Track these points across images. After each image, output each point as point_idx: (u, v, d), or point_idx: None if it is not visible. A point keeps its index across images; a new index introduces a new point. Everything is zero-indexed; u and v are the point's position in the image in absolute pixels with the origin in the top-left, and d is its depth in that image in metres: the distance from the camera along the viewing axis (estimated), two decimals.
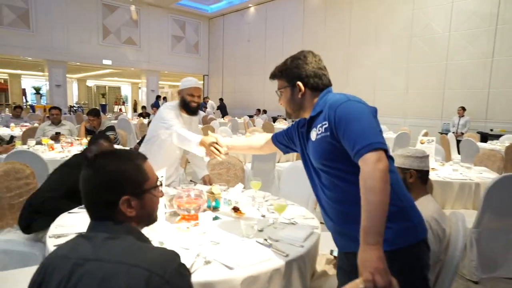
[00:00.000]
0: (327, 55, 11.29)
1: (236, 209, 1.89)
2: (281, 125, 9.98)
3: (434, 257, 1.44)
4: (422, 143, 4.03)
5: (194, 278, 1.16)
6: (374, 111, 1.24)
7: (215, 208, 1.99)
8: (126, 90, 26.01)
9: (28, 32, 12.72)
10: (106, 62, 14.78)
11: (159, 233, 1.53)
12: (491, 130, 8.29)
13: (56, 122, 5.25)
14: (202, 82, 18.17)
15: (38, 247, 2.10)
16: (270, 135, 1.78)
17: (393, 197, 1.15)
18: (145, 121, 9.29)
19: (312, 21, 12.88)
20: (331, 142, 1.24)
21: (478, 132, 8.04)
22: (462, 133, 7.91)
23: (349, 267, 1.33)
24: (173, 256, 0.84)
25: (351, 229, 1.23)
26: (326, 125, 1.25)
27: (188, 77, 2.51)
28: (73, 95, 22.53)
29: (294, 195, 2.52)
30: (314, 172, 1.38)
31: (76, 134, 5.26)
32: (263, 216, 1.89)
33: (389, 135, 7.46)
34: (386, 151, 1.13)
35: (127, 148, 4.79)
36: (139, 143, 4.61)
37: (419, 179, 1.73)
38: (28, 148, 3.91)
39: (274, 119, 12.10)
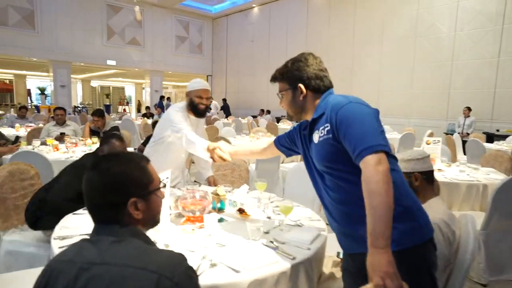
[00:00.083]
0: (331, 55, 11.40)
1: (241, 211, 1.88)
2: (285, 125, 9.95)
3: (444, 261, 1.41)
4: (428, 144, 3.99)
5: (200, 281, 1.13)
6: (376, 112, 1.24)
7: (220, 210, 1.97)
8: (130, 91, 26.11)
9: (33, 33, 12.80)
10: (110, 62, 14.83)
11: (165, 235, 1.52)
12: (497, 130, 8.21)
13: (61, 122, 5.27)
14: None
15: (43, 248, 2.10)
16: (272, 139, 1.79)
17: (398, 197, 1.15)
18: (149, 121, 9.30)
19: (316, 21, 12.85)
20: (333, 144, 1.24)
21: (484, 133, 7.97)
22: (468, 134, 7.84)
23: (354, 269, 1.32)
24: (181, 258, 0.83)
25: (356, 230, 1.23)
26: (328, 128, 1.25)
27: (196, 78, 2.48)
28: (78, 96, 22.64)
29: (299, 197, 2.51)
30: (317, 174, 1.38)
31: (81, 135, 5.27)
32: (269, 217, 1.87)
33: (393, 136, 7.41)
34: (387, 153, 1.13)
35: (132, 148, 4.80)
36: (143, 144, 4.61)
37: (424, 180, 1.70)
38: (33, 149, 3.92)
39: (278, 120, 12.07)
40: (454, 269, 1.42)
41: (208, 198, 1.83)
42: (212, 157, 1.95)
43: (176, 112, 2.36)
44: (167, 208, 1.66)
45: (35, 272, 1.80)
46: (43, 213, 2.13)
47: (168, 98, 16.27)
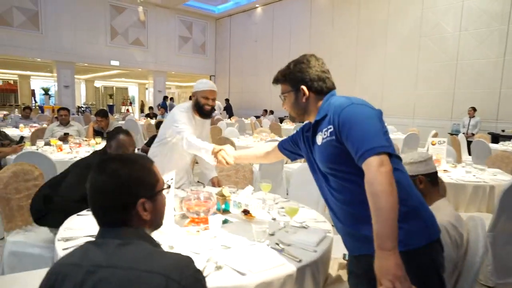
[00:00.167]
0: (334, 56, 11.37)
1: (246, 212, 1.86)
2: (288, 125, 9.93)
3: (451, 264, 1.39)
4: (433, 144, 3.95)
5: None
6: (379, 113, 1.23)
7: (224, 211, 1.96)
8: (133, 91, 26.19)
9: (37, 34, 12.87)
10: (114, 63, 14.88)
11: (169, 237, 1.51)
12: (503, 131, 8.14)
13: (65, 123, 5.28)
14: None
15: (47, 249, 2.09)
16: (275, 143, 1.79)
17: (403, 197, 1.15)
18: (152, 121, 9.31)
19: (319, 21, 12.81)
20: (336, 146, 1.23)
21: (489, 133, 7.91)
22: (473, 134, 7.79)
23: (360, 271, 1.31)
24: (189, 261, 0.82)
25: (361, 230, 1.22)
26: (331, 129, 1.25)
27: (203, 79, 2.47)
28: (81, 96, 22.73)
29: (303, 198, 2.49)
30: (321, 175, 1.37)
31: (84, 135, 5.28)
32: (274, 219, 1.85)
33: (397, 136, 7.37)
34: (390, 154, 1.12)
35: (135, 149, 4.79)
36: (147, 144, 4.61)
37: (429, 182, 1.68)
38: (37, 149, 3.93)
39: (281, 120, 12.05)
40: (463, 272, 1.39)
41: (213, 199, 1.81)
42: (216, 159, 1.95)
43: (181, 113, 2.34)
44: (171, 209, 1.64)
45: (39, 274, 1.80)
46: (48, 210, 2.12)
47: (172, 99, 16.29)
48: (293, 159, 1.73)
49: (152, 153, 2.55)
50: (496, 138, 7.69)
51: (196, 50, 17.55)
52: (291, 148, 1.66)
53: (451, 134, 8.01)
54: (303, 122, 1.52)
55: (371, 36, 11.06)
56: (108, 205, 0.88)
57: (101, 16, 14.32)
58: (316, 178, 1.45)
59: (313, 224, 1.78)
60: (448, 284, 1.37)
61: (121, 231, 0.87)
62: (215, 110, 2.65)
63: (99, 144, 4.25)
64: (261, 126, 9.72)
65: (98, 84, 24.90)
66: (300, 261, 1.34)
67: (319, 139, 1.32)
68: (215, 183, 2.60)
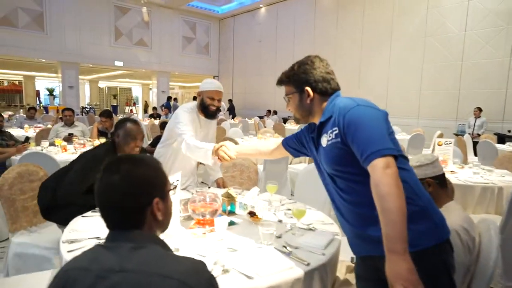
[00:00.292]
0: (338, 56, 11.33)
1: (252, 214, 1.84)
2: (292, 126, 9.90)
3: (463, 268, 1.36)
4: (439, 145, 3.91)
5: None
6: (384, 114, 1.22)
7: (230, 213, 1.93)
8: (137, 91, 26.27)
9: (42, 35, 12.93)
10: (118, 63, 14.93)
11: (175, 239, 1.49)
12: (509, 131, 8.07)
13: (69, 123, 5.28)
14: None
15: (52, 250, 2.09)
16: (279, 140, 1.77)
17: (412, 197, 1.14)
18: (156, 122, 9.32)
19: (323, 22, 12.77)
20: (342, 148, 1.23)
21: (495, 134, 7.83)
22: (479, 135, 7.72)
23: (367, 273, 1.31)
24: (204, 266, 0.81)
25: (369, 231, 1.21)
26: (337, 131, 1.24)
27: (209, 78, 2.44)
28: (85, 96, 22.83)
29: (309, 199, 2.46)
30: (328, 176, 1.36)
31: (89, 135, 5.28)
32: (280, 221, 1.83)
33: (402, 137, 7.32)
34: (395, 156, 1.11)
35: None
36: (151, 145, 4.60)
37: (437, 185, 1.64)
38: (42, 150, 3.93)
39: (285, 120, 12.03)
40: (475, 277, 1.36)
41: (218, 201, 1.79)
42: (217, 156, 1.91)
43: (184, 113, 2.31)
44: (177, 211, 1.62)
45: (44, 275, 1.79)
46: (54, 204, 2.12)
47: (175, 99, 16.32)
48: (296, 156, 1.72)
49: (157, 153, 2.53)
50: (502, 138, 7.62)
51: (199, 51, 17.57)
52: (295, 146, 1.64)
53: (457, 135, 7.94)
54: (307, 124, 1.50)
55: (375, 37, 11.01)
56: (123, 206, 0.85)
57: (105, 17, 14.37)
58: (322, 179, 1.44)
59: (320, 226, 1.75)
60: None
61: (133, 234, 0.84)
62: (220, 111, 2.61)
63: None
64: (265, 127, 9.71)
65: (102, 84, 25.00)
66: (308, 264, 1.32)
67: (324, 141, 1.31)
68: (220, 184, 2.57)
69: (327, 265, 1.38)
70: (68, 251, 1.38)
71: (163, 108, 13.41)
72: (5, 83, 22.92)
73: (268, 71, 14.79)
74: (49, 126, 6.74)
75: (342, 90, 1.40)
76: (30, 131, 6.39)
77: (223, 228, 1.63)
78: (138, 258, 0.78)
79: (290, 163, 4.90)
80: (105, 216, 0.88)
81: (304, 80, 1.36)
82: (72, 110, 5.47)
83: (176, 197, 1.55)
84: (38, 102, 20.93)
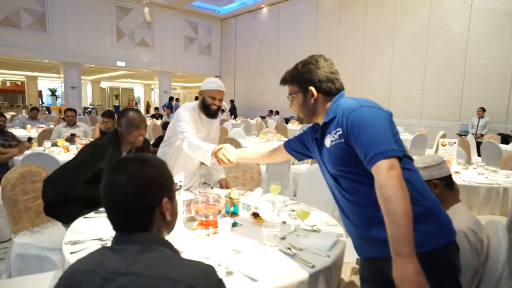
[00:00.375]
0: (341, 56, 11.30)
1: (255, 215, 1.82)
2: (294, 126, 9.88)
3: (472, 271, 1.33)
4: (443, 145, 3.89)
5: None
6: (388, 115, 1.20)
7: (233, 214, 1.92)
8: (139, 92, 26.32)
9: (44, 35, 12.97)
10: (120, 63, 14.95)
11: (178, 241, 1.47)
12: None
13: (72, 123, 5.29)
14: None
15: (54, 251, 2.07)
16: (280, 142, 1.75)
17: (417, 198, 1.13)
18: (158, 122, 9.32)
19: (325, 22, 12.75)
20: (345, 148, 1.21)
21: (498, 134, 7.79)
22: (482, 135, 7.68)
23: (371, 275, 1.29)
24: (212, 270, 0.79)
25: (374, 232, 1.20)
26: (340, 132, 1.23)
27: (212, 77, 2.41)
28: (87, 97, 22.89)
29: (312, 200, 2.44)
30: (332, 177, 1.34)
31: (91, 136, 5.28)
32: (284, 222, 1.81)
33: (405, 137, 7.29)
34: (399, 157, 1.10)
35: None
36: (154, 145, 4.59)
37: (444, 186, 1.62)
38: (44, 150, 3.93)
39: (287, 121, 12.00)
40: (483, 279, 1.34)
41: (222, 202, 1.78)
42: (216, 159, 1.89)
43: (185, 112, 2.30)
44: (180, 212, 1.61)
45: (46, 276, 1.78)
46: (57, 203, 2.13)
47: (177, 99, 16.33)
48: (300, 159, 1.69)
49: (160, 153, 2.52)
50: (506, 139, 7.57)
51: (201, 51, 17.57)
52: (298, 148, 1.62)
53: (460, 135, 7.90)
54: (311, 124, 1.49)
55: (378, 36, 10.97)
56: (131, 207, 0.83)
57: (108, 17, 14.40)
58: (327, 180, 1.42)
59: (324, 227, 1.74)
60: None
61: (141, 236, 0.83)
62: (224, 111, 2.59)
63: None
64: (267, 127, 9.69)
65: (104, 85, 25.06)
66: (313, 266, 1.30)
67: (328, 141, 1.30)
68: (223, 185, 2.55)
69: (332, 267, 1.37)
70: (71, 253, 1.36)
71: (165, 108, 13.41)
72: (8, 84, 23.02)
73: (270, 71, 14.78)
74: (52, 126, 6.75)
75: (344, 90, 1.39)
76: (33, 132, 6.40)
77: (226, 229, 1.61)
78: (146, 261, 0.76)
79: (293, 164, 4.88)
80: (112, 218, 0.86)
81: (308, 80, 1.34)
82: (75, 111, 5.47)
83: (179, 198, 1.53)
84: (40, 103, 21.00)
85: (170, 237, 1.43)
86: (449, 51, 9.31)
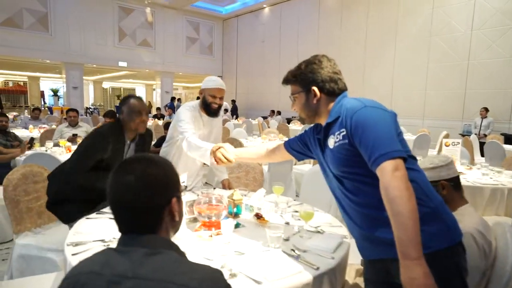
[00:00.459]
0: (343, 57, 11.28)
1: (258, 216, 1.81)
2: (296, 126, 9.86)
3: (479, 273, 1.31)
4: (446, 146, 3.86)
5: None
6: (393, 115, 1.19)
7: (236, 215, 1.90)
8: (140, 92, 26.34)
9: (46, 35, 12.99)
10: (122, 64, 14.96)
11: (181, 242, 1.46)
12: None
13: (74, 124, 5.30)
14: None
15: (56, 252, 2.07)
16: (280, 142, 1.73)
17: (422, 198, 1.12)
18: (160, 122, 9.31)
19: (327, 22, 12.72)
20: (349, 149, 1.20)
21: (502, 134, 7.74)
22: (485, 135, 7.64)
23: (376, 277, 1.28)
24: (220, 275, 0.78)
25: (378, 232, 1.18)
26: (344, 133, 1.21)
27: (212, 76, 2.39)
28: (89, 97, 22.93)
29: (315, 201, 2.42)
30: (335, 178, 1.33)
31: None
32: (287, 223, 1.80)
33: (407, 137, 7.25)
34: (404, 158, 1.09)
35: None
36: (156, 145, 4.58)
37: (452, 187, 1.59)
38: (46, 150, 3.93)
39: (289, 121, 11.98)
40: (491, 282, 1.32)
41: (224, 203, 1.76)
42: (215, 158, 1.86)
43: (185, 111, 2.28)
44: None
45: (48, 278, 1.77)
46: (58, 199, 2.14)
47: (179, 99, 16.34)
48: (300, 159, 1.68)
49: (162, 153, 2.51)
50: (509, 139, 7.52)
51: (203, 51, 17.58)
52: (299, 148, 1.61)
53: (462, 135, 7.87)
54: (312, 124, 1.47)
55: (380, 36, 10.94)
56: (140, 207, 0.81)
57: (109, 18, 14.41)
58: (328, 181, 1.41)
59: (328, 228, 1.72)
60: None
61: (148, 238, 0.81)
62: (227, 111, 2.58)
63: None
64: (269, 127, 9.68)
65: (106, 85, 25.11)
66: (317, 268, 1.28)
67: (331, 142, 1.29)
68: (225, 185, 2.54)
69: (337, 269, 1.35)
70: (73, 254, 1.35)
71: (166, 108, 13.42)
72: (10, 84, 23.09)
73: (271, 72, 14.76)
74: (54, 126, 6.75)
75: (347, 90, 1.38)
76: (35, 132, 6.40)
77: (229, 230, 1.60)
78: (153, 264, 0.74)
79: (295, 164, 4.87)
80: (119, 219, 0.84)
81: (311, 80, 1.33)
82: (77, 111, 5.47)
83: (183, 198, 1.52)
84: (42, 103, 21.05)
85: (174, 239, 1.43)
86: (451, 51, 9.27)
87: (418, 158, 1.56)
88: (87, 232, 1.57)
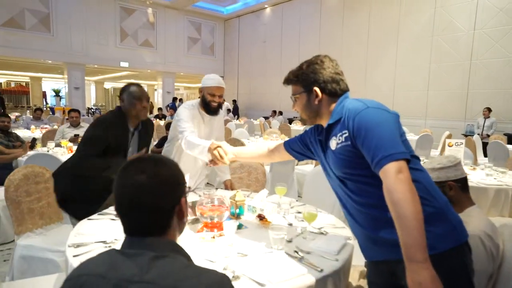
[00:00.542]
0: (344, 57, 11.26)
1: (261, 217, 1.79)
2: (298, 126, 9.85)
3: (486, 276, 1.29)
4: (450, 146, 3.84)
5: None
6: (395, 116, 1.18)
7: (238, 216, 1.89)
8: None
9: (48, 36, 13.01)
10: (124, 64, 14.97)
11: (184, 244, 1.44)
12: None
13: (75, 124, 5.29)
14: None
15: (57, 253, 2.06)
16: (280, 142, 1.71)
17: (427, 198, 1.11)
18: (162, 122, 9.30)
19: (329, 22, 12.69)
20: (352, 151, 1.19)
21: (505, 134, 7.70)
22: (488, 135, 7.60)
23: (379, 279, 1.27)
24: (228, 280, 0.77)
25: (382, 233, 1.17)
26: (346, 134, 1.20)
27: (211, 74, 2.38)
28: (91, 97, 22.97)
29: (317, 201, 2.41)
30: (338, 179, 1.32)
31: None
32: (290, 224, 1.78)
33: (410, 137, 7.22)
34: (408, 160, 1.08)
35: None
36: (157, 146, 4.57)
37: (459, 188, 1.57)
38: (48, 151, 3.92)
39: (290, 121, 11.96)
40: (498, 284, 1.30)
41: (226, 204, 1.75)
42: (211, 157, 1.85)
43: (184, 110, 2.27)
44: None
45: (50, 279, 1.75)
46: (68, 196, 2.16)
47: (181, 100, 16.34)
48: (300, 160, 1.66)
49: (164, 152, 2.50)
50: None
51: (205, 51, 17.57)
52: (299, 149, 1.59)
53: (465, 135, 7.83)
54: (313, 125, 1.45)
55: (382, 36, 10.91)
56: (152, 207, 0.79)
57: (111, 18, 14.42)
58: (331, 183, 1.39)
59: (332, 230, 1.70)
60: None
61: (155, 241, 0.79)
62: (230, 111, 2.56)
63: None
64: (270, 127, 9.66)
65: (107, 85, 25.13)
66: (321, 270, 1.27)
67: (333, 143, 1.27)
68: (228, 186, 2.52)
69: (341, 271, 1.33)
70: (74, 256, 1.34)
71: (168, 108, 13.42)
72: (12, 85, 23.15)
73: (273, 72, 14.74)
74: (55, 127, 6.75)
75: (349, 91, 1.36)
76: (37, 132, 6.40)
77: (231, 231, 1.59)
78: (159, 269, 0.72)
79: (297, 165, 4.85)
80: (127, 220, 0.81)
81: (312, 80, 1.32)
82: (78, 111, 5.47)
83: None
84: (44, 103, 21.10)
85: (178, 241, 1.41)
86: (454, 50, 9.23)
87: (421, 158, 1.54)
88: (88, 233, 1.56)
